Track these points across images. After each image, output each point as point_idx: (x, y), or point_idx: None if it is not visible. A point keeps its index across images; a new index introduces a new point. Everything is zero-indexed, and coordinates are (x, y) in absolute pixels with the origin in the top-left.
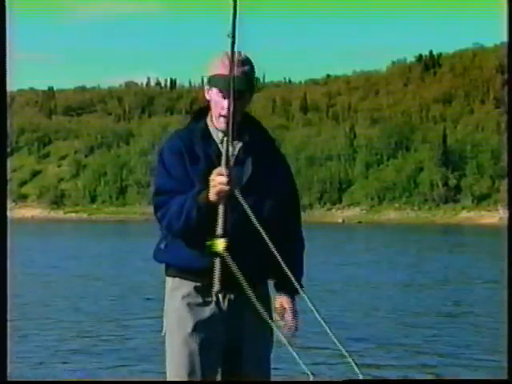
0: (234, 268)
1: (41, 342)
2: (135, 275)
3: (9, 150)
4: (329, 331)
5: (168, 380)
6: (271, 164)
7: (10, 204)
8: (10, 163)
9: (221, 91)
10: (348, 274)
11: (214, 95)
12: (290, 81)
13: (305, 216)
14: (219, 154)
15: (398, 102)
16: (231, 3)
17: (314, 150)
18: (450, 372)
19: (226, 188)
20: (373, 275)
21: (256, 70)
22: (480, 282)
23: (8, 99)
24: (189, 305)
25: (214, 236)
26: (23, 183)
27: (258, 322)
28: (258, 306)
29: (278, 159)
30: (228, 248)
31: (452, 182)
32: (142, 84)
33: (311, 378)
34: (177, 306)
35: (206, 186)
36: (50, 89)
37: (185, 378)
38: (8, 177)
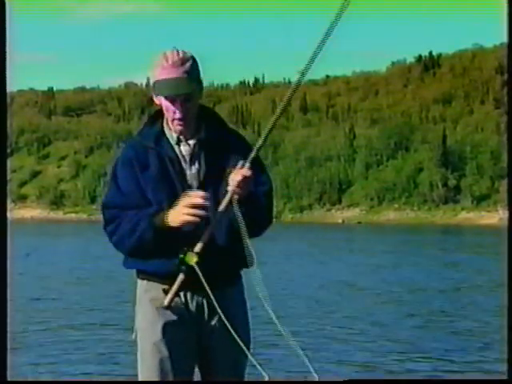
0: (203, 279)
1: (41, 342)
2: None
3: (8, 150)
4: (281, 329)
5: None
6: (228, 154)
7: (9, 204)
8: (10, 164)
9: (167, 97)
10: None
11: (162, 101)
12: (289, 81)
13: (304, 217)
14: (173, 155)
15: (397, 102)
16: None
17: (314, 150)
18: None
19: (192, 219)
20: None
21: (198, 63)
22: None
23: (8, 100)
24: (157, 309)
25: (187, 249)
26: (23, 184)
27: (231, 321)
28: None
29: (236, 146)
30: (199, 262)
31: (452, 182)
32: (141, 84)
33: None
34: (146, 310)
35: (157, 195)
36: (50, 89)
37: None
38: (8, 177)
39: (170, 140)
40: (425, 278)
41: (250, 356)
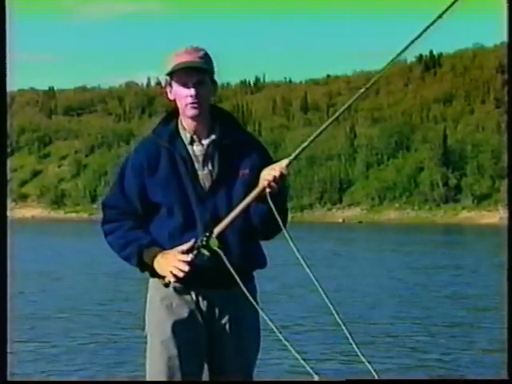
0: (227, 263)
1: (42, 342)
2: (137, 273)
3: (9, 149)
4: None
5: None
6: (242, 156)
7: (10, 204)
8: (11, 163)
9: (179, 81)
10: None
11: (175, 89)
12: (290, 81)
13: (305, 216)
14: (185, 155)
15: (398, 101)
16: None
17: (315, 149)
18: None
19: (180, 275)
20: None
21: (212, 57)
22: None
23: (8, 99)
24: (167, 307)
25: (210, 233)
26: (23, 183)
27: (241, 321)
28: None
29: (250, 148)
30: (221, 247)
31: (452, 181)
32: (142, 84)
33: (316, 378)
34: (156, 308)
35: (167, 195)
36: (51, 89)
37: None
38: (8, 177)
39: (184, 139)
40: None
41: (297, 356)
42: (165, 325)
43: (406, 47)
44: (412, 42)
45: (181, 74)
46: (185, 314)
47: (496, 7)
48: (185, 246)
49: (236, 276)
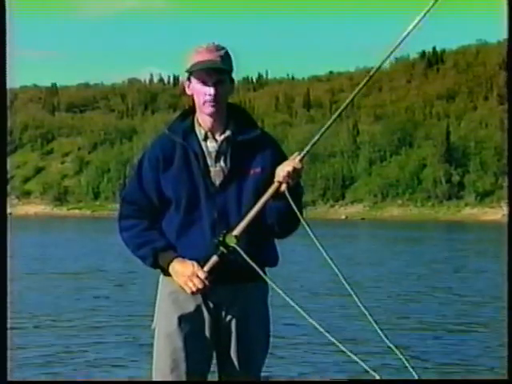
0: (246, 257)
1: (42, 341)
2: (140, 271)
3: (12, 146)
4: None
5: (154, 375)
6: (255, 154)
7: (13, 200)
8: (14, 160)
9: (198, 79)
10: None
11: (194, 86)
12: (292, 77)
13: (308, 213)
14: (199, 151)
15: (401, 98)
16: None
17: (317, 146)
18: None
19: (193, 291)
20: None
21: (232, 56)
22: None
23: (11, 96)
24: (174, 300)
25: (226, 231)
26: (26, 180)
27: (250, 318)
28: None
29: (264, 146)
30: (238, 244)
31: (455, 178)
32: (145, 81)
33: (377, 377)
34: (164, 303)
35: (178, 190)
36: (54, 86)
37: (168, 374)
38: (11, 173)
39: (198, 135)
40: None
41: (349, 353)
42: (171, 318)
43: (400, 42)
44: (403, 38)
45: (201, 72)
46: (191, 307)
47: (499, 3)
48: (206, 267)
49: (258, 269)
